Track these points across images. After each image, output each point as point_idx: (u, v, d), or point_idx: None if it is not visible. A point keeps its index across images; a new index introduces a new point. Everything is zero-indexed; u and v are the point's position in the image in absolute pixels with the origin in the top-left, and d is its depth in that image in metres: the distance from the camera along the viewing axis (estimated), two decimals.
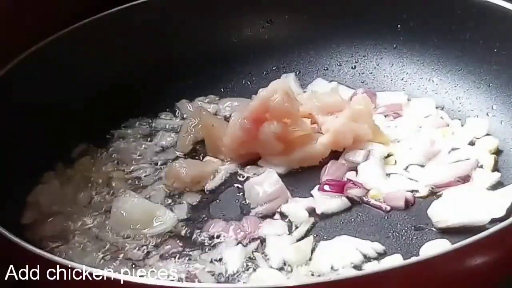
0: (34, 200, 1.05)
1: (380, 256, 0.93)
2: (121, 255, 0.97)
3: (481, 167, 1.05)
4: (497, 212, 0.96)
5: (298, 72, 1.26)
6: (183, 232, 1.00)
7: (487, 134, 1.10)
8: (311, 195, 1.04)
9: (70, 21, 1.20)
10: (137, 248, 0.98)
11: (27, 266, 0.88)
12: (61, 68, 1.17)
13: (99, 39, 1.22)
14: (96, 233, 1.00)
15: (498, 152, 1.07)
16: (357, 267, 0.92)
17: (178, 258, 0.96)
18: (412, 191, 1.03)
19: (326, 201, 1.02)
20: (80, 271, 0.80)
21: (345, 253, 0.93)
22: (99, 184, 1.09)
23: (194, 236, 0.99)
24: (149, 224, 1.00)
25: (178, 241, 0.99)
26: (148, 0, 1.25)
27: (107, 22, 1.23)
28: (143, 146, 1.16)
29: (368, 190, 1.03)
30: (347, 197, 1.02)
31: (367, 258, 0.93)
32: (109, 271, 0.91)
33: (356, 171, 1.06)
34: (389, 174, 1.06)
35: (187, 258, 0.96)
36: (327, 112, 1.13)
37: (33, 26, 1.19)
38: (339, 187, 1.03)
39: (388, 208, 1.01)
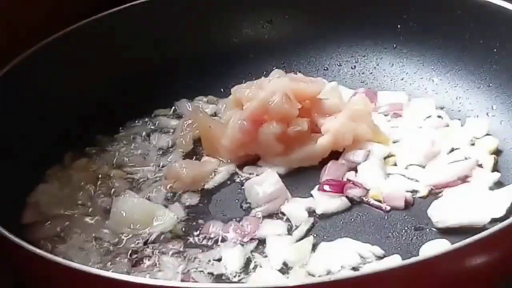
0: (34, 201, 1.05)
1: (379, 259, 0.93)
2: (121, 255, 0.97)
3: (481, 167, 1.05)
4: (497, 212, 0.96)
5: (298, 72, 1.26)
6: (182, 232, 1.00)
7: (487, 134, 1.10)
8: (311, 195, 1.04)
9: (70, 21, 1.20)
10: (136, 248, 0.98)
11: (27, 266, 0.89)
12: (61, 68, 1.17)
13: (99, 39, 1.22)
14: (96, 233, 1.00)
15: (498, 152, 1.07)
16: (355, 269, 0.91)
17: (178, 258, 0.96)
18: (412, 191, 1.03)
19: (326, 201, 1.02)
20: (80, 271, 0.80)
21: (344, 255, 0.93)
22: (98, 184, 1.09)
23: (194, 236, 0.99)
24: (149, 224, 1.00)
25: (177, 241, 0.98)
26: (148, 0, 1.25)
27: (107, 22, 1.23)
28: (143, 146, 1.16)
29: (368, 190, 1.03)
30: (347, 197, 1.02)
31: (365, 261, 0.93)
32: (109, 271, 0.91)
33: (356, 171, 1.06)
34: (389, 174, 1.06)
35: (186, 258, 0.96)
36: (326, 113, 1.13)
37: (33, 26, 1.19)
38: (339, 187, 1.03)
39: (388, 208, 1.01)
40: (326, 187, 1.03)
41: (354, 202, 1.02)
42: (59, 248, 0.98)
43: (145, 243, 0.98)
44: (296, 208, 1.02)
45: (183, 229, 1.00)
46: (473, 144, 1.09)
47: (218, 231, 0.99)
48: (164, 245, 0.98)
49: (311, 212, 1.01)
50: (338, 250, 0.94)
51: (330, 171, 1.06)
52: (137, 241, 0.98)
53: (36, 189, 1.07)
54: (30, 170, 1.07)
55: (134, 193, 1.04)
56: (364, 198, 1.02)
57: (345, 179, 1.05)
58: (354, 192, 1.03)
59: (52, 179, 1.09)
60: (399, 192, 1.02)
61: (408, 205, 1.01)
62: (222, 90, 1.25)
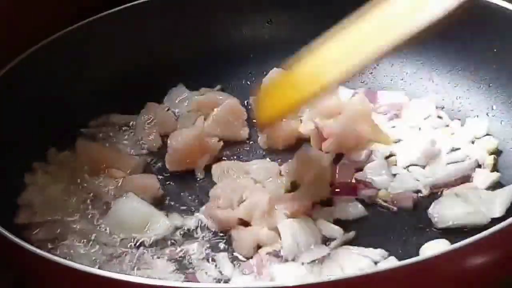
0: (26, 201, 1.04)
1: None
2: (121, 256, 0.97)
3: (481, 167, 1.05)
4: (497, 212, 0.96)
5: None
6: (180, 238, 1.00)
7: (487, 134, 1.10)
8: None
9: (70, 21, 1.20)
10: (135, 249, 0.97)
11: (27, 266, 0.89)
12: (61, 68, 1.17)
13: (99, 39, 1.22)
14: (94, 234, 1.00)
15: (498, 152, 1.07)
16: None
17: (174, 263, 0.96)
18: (416, 191, 1.02)
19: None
20: (80, 271, 0.80)
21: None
22: (94, 184, 1.08)
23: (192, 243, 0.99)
24: (141, 230, 0.99)
25: (173, 246, 0.98)
26: (148, 0, 1.25)
27: (107, 22, 1.23)
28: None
29: (378, 190, 1.03)
30: (359, 200, 1.02)
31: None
32: (109, 271, 0.91)
33: (362, 171, 1.06)
34: (394, 174, 1.06)
35: (182, 263, 0.96)
36: (327, 115, 1.12)
37: (33, 26, 1.19)
38: (352, 189, 1.03)
39: (395, 209, 1.00)
40: (338, 190, 1.02)
41: (364, 204, 1.01)
42: (57, 249, 0.97)
43: (139, 247, 0.98)
44: None
45: (181, 235, 1.00)
46: (473, 144, 1.09)
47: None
48: (161, 250, 0.98)
49: None
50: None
51: (340, 174, 1.05)
52: (136, 243, 0.98)
53: (27, 189, 1.05)
54: (24, 170, 1.07)
55: (134, 196, 1.04)
56: (374, 199, 1.02)
57: (353, 181, 1.05)
58: (367, 193, 1.02)
59: (44, 179, 1.07)
60: (407, 192, 1.02)
61: (415, 205, 1.00)
62: (222, 90, 1.25)
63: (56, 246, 0.98)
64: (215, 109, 1.16)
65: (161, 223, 1.00)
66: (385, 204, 1.01)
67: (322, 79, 0.95)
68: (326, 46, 0.98)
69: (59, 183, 1.07)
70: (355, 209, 1.01)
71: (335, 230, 0.97)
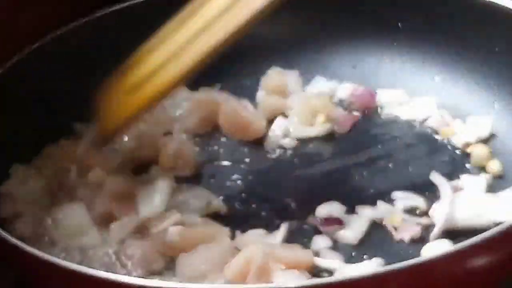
0: (8, 192, 1.02)
1: None
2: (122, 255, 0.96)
3: (485, 168, 1.04)
4: (500, 216, 0.95)
5: (298, 71, 1.26)
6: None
7: (490, 134, 1.10)
8: None
9: (70, 21, 1.20)
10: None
11: (27, 266, 0.89)
12: (61, 68, 1.17)
13: (99, 39, 1.22)
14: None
15: (499, 153, 1.07)
16: None
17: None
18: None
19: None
20: (80, 271, 0.80)
21: None
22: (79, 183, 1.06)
23: None
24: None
25: None
26: (148, 0, 1.25)
27: (107, 22, 1.23)
28: None
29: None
30: None
31: None
32: (109, 271, 0.91)
33: None
34: None
35: None
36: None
37: (33, 25, 1.19)
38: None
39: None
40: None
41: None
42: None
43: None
44: None
45: None
46: (476, 143, 1.09)
47: None
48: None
49: None
50: None
51: None
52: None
53: (9, 180, 1.04)
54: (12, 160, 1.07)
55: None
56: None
57: None
58: None
59: (29, 171, 1.06)
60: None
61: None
62: (222, 90, 1.25)
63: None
64: None
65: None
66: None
67: (160, 80, 1.00)
68: (158, 47, 1.04)
69: (42, 179, 1.05)
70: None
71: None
